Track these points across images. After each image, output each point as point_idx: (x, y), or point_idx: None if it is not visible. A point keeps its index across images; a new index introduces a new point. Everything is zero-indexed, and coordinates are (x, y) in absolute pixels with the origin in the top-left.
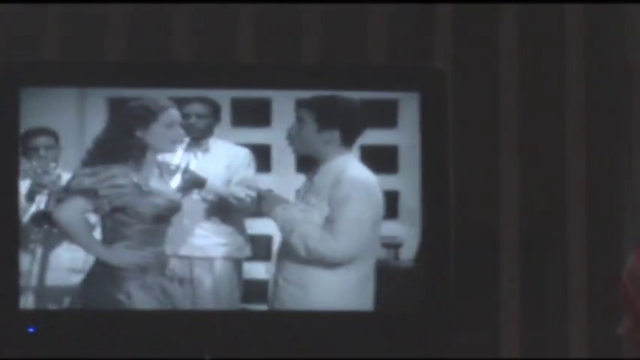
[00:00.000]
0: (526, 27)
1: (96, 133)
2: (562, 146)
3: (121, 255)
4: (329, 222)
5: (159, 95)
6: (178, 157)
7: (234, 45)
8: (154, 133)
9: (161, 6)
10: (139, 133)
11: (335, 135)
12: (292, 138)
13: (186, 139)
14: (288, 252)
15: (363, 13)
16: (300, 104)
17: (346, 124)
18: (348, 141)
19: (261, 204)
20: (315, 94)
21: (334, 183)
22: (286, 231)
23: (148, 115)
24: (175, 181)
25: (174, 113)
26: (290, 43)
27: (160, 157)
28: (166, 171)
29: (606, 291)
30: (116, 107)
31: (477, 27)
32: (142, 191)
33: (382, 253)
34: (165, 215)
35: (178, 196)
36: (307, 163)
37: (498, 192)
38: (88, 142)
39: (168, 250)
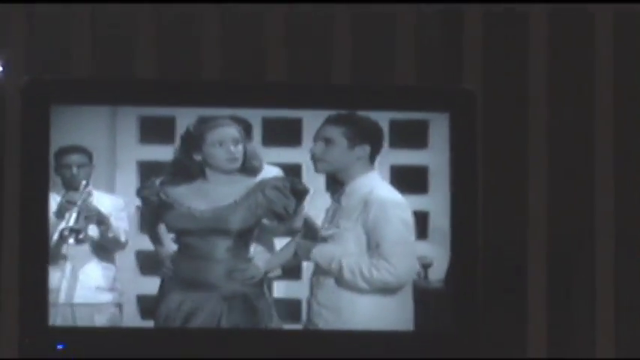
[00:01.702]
0: (555, 46)
1: (129, 152)
2: (591, 164)
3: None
4: (375, 247)
5: (192, 115)
6: None
7: (264, 64)
8: (207, 154)
9: (191, 24)
10: (196, 156)
11: (366, 150)
12: (318, 158)
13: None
14: (321, 276)
15: (392, 32)
16: (327, 123)
17: (374, 139)
18: (375, 157)
19: (297, 254)
20: (340, 113)
21: (363, 205)
22: (334, 269)
23: (195, 138)
24: None
25: (222, 131)
26: (320, 62)
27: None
28: None
29: (634, 308)
30: (156, 130)
31: (506, 47)
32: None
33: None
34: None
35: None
36: (333, 185)
37: (527, 211)
38: (123, 161)
39: None
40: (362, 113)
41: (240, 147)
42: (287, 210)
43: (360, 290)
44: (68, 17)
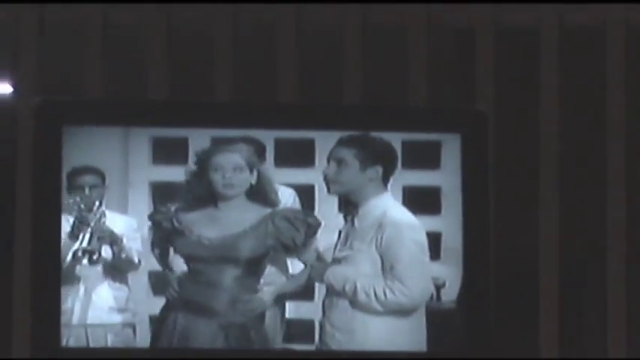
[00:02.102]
0: (567, 67)
1: (141, 172)
2: (603, 185)
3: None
4: (389, 269)
5: (205, 136)
6: None
7: (275, 85)
8: (209, 179)
9: (202, 45)
10: (204, 181)
11: (379, 172)
12: (330, 179)
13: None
14: (334, 298)
15: (404, 52)
16: (339, 144)
17: (387, 160)
18: (388, 178)
19: (311, 276)
20: (352, 134)
21: (377, 227)
22: (348, 291)
23: (200, 163)
24: None
25: (220, 157)
26: (331, 83)
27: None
28: None
29: None
30: (169, 151)
31: (518, 68)
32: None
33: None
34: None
35: None
36: (346, 206)
37: (538, 231)
38: (136, 182)
39: None
40: (375, 134)
41: (243, 174)
42: (295, 242)
43: (374, 312)
44: (79, 38)
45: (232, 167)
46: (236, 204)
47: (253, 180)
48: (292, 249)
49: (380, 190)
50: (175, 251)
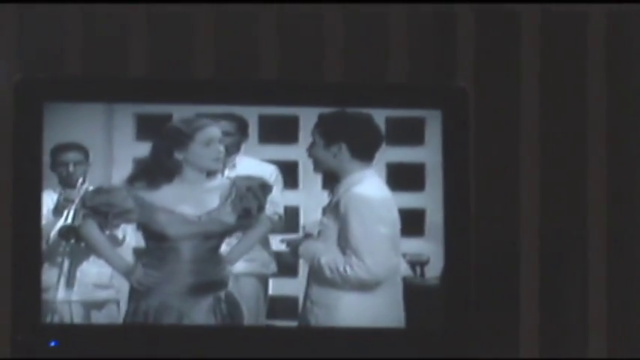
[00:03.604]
0: (548, 43)
1: (125, 149)
2: (584, 162)
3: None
4: (346, 244)
5: (189, 112)
6: None
7: (256, 61)
8: (192, 153)
9: (184, 19)
10: (177, 155)
11: (341, 148)
12: (311, 157)
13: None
14: (315, 275)
15: (384, 29)
16: (316, 124)
17: (351, 137)
18: (358, 155)
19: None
20: (325, 112)
21: (337, 202)
22: (315, 266)
23: (184, 136)
24: None
25: (211, 131)
26: (311, 61)
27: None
28: None
29: (626, 307)
30: (152, 128)
31: (498, 44)
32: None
33: (409, 271)
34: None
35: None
36: (330, 182)
37: (519, 208)
38: (119, 158)
39: None
40: (352, 110)
41: (220, 147)
42: (256, 207)
43: (339, 287)
44: (59, 14)
45: (220, 141)
46: (202, 177)
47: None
48: (252, 214)
49: (356, 167)
50: (148, 232)
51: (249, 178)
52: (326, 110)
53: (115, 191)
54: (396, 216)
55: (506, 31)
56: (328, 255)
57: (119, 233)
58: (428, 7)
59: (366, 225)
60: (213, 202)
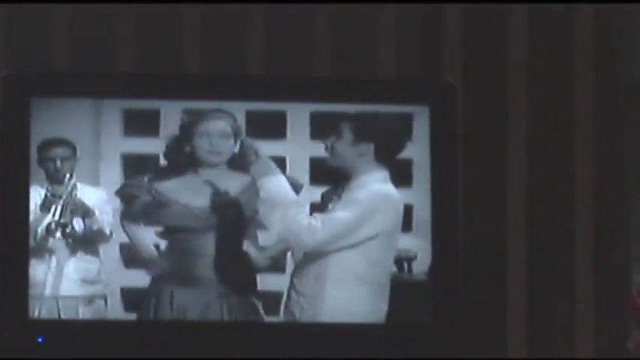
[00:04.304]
0: (535, 39)
1: (113, 144)
2: (571, 160)
3: None
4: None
5: (177, 108)
6: None
7: (244, 56)
8: (194, 146)
9: (172, 15)
10: (186, 147)
11: (369, 148)
12: (329, 150)
13: None
14: (302, 265)
15: (373, 25)
16: (341, 118)
17: (382, 140)
18: (383, 156)
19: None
20: (357, 109)
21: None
22: (269, 201)
23: (190, 127)
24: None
25: (210, 124)
26: (300, 55)
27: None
28: None
29: (614, 305)
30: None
31: (486, 39)
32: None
33: (396, 266)
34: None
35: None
36: (338, 177)
37: (507, 205)
38: (107, 154)
39: None
40: (378, 111)
41: (230, 142)
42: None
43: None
44: (47, 9)
45: (219, 134)
46: (217, 172)
47: (236, 149)
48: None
49: (373, 168)
50: (157, 223)
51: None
52: (361, 108)
53: None
54: (399, 214)
55: (494, 27)
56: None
57: (106, 229)
58: (416, 7)
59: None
60: (222, 197)
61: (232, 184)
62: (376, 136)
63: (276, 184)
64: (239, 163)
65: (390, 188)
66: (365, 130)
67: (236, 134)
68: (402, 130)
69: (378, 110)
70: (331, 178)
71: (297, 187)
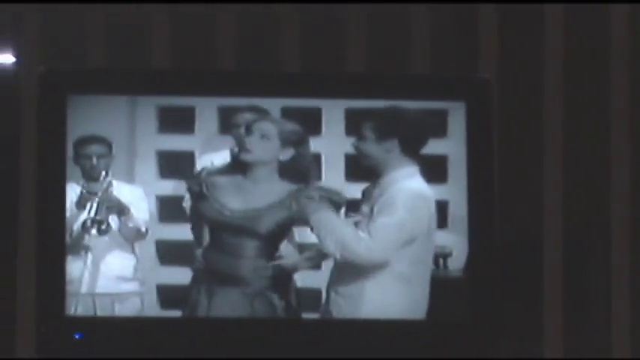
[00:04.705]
0: (571, 35)
1: (148, 142)
2: (607, 154)
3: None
4: (369, 223)
5: (208, 104)
6: None
7: (278, 53)
8: (252, 145)
9: (206, 14)
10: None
11: (394, 144)
12: (357, 151)
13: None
14: (340, 265)
15: (407, 22)
16: (360, 119)
17: (406, 134)
18: (408, 150)
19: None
20: (370, 106)
21: (385, 191)
22: (320, 231)
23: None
24: None
25: (251, 121)
26: (334, 52)
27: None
28: None
29: None
30: (174, 120)
31: (522, 35)
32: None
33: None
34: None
35: None
36: (370, 175)
37: (543, 201)
38: (142, 151)
39: None
40: (395, 105)
41: (268, 144)
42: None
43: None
44: (82, 7)
45: (260, 134)
46: (264, 176)
47: (283, 156)
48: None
49: (402, 163)
50: (200, 217)
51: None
52: (377, 104)
53: None
54: (433, 211)
55: (530, 23)
56: (340, 230)
57: (142, 226)
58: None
59: (404, 214)
60: (260, 202)
61: (276, 192)
62: (400, 131)
63: (323, 217)
64: (288, 170)
65: (421, 185)
66: (388, 127)
67: (285, 139)
68: (425, 124)
69: (396, 106)
70: (365, 174)
71: (339, 205)
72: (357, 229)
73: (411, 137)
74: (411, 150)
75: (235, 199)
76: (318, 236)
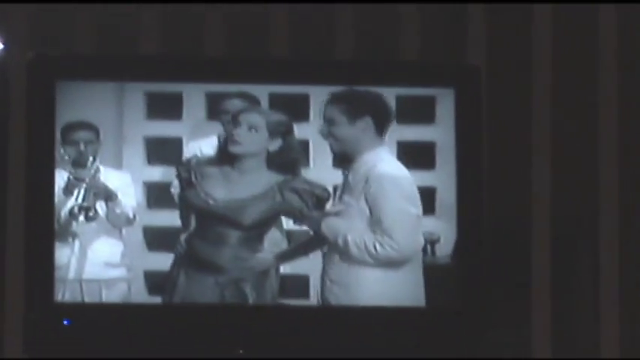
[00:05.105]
0: (559, 23)
1: (136, 128)
2: (595, 144)
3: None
4: (377, 223)
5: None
6: None
7: (267, 40)
8: (241, 137)
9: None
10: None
11: (368, 122)
12: (326, 138)
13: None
14: (338, 253)
15: (396, 9)
16: (327, 104)
17: (375, 110)
18: (381, 130)
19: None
20: (336, 91)
21: (365, 181)
22: (340, 244)
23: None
24: None
25: (237, 110)
26: (323, 39)
27: None
28: None
29: (638, 290)
30: (162, 106)
31: (510, 22)
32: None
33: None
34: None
35: None
36: (342, 161)
37: (530, 188)
38: (130, 137)
39: None
40: (361, 87)
41: (256, 135)
42: (302, 213)
43: (367, 264)
44: None
45: (248, 126)
46: (252, 167)
47: (272, 146)
48: (299, 219)
49: (374, 144)
50: (187, 204)
51: (299, 180)
52: (336, 89)
53: None
54: (416, 193)
55: (518, 8)
56: (354, 233)
57: (129, 212)
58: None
59: (398, 204)
60: (244, 193)
61: (261, 181)
62: (370, 109)
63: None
64: (275, 161)
65: (399, 166)
66: (357, 106)
67: (274, 130)
68: (385, 103)
69: (354, 89)
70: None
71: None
72: (373, 233)
73: (382, 113)
74: (382, 129)
75: (221, 189)
76: (337, 244)
